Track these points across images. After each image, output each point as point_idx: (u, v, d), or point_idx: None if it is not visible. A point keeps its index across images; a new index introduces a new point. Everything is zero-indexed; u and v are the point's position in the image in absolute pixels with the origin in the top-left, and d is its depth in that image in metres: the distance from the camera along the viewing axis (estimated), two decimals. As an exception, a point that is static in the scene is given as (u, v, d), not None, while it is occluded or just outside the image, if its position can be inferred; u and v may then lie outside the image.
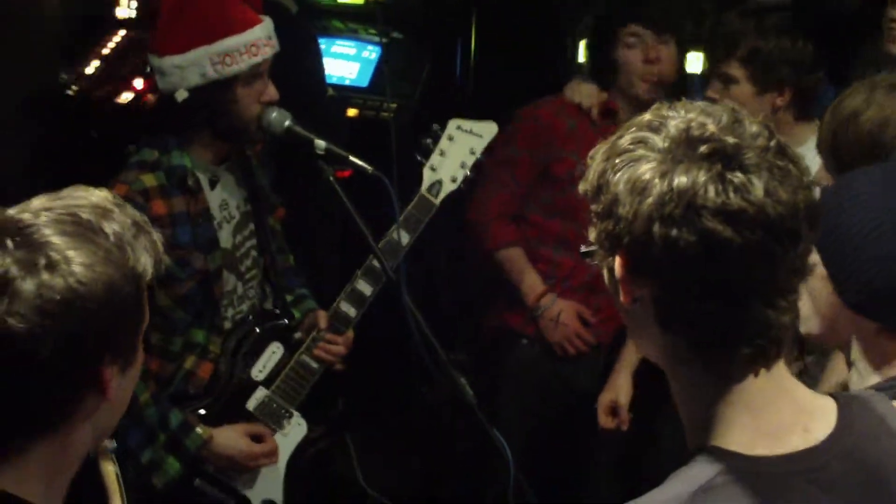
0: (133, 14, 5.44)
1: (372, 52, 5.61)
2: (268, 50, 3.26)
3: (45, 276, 1.62)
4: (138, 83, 5.10)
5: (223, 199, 3.37)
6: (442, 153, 3.45)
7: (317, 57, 4.86)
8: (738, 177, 1.48)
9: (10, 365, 1.64)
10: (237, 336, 3.43)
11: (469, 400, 3.08)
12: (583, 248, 1.67)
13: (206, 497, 3.37)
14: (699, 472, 1.53)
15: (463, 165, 3.46)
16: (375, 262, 3.31)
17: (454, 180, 3.45)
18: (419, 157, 3.46)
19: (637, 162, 1.52)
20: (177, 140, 3.27)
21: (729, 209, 1.46)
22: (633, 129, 1.57)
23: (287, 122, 3.27)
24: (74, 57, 5.20)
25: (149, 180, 3.21)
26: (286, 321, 3.51)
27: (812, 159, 3.31)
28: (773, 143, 1.53)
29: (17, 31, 4.75)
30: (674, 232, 1.47)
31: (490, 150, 3.50)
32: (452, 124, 3.47)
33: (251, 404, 3.42)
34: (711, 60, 3.57)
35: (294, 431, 3.49)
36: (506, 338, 4.25)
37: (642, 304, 1.56)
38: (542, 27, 5.68)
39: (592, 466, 4.40)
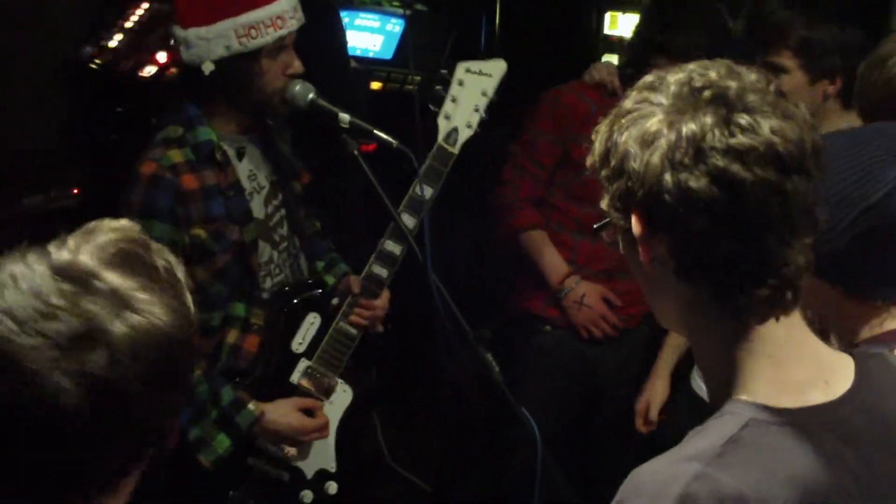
0: (156, -13, 5.41)
1: (396, 25, 5.58)
2: (293, 22, 3.24)
3: (134, 318, 1.53)
4: (161, 56, 5.07)
5: (251, 170, 3.36)
6: (454, 100, 3.42)
7: (339, 29, 4.85)
8: (744, 118, 1.52)
9: (106, 417, 1.51)
10: (276, 308, 3.42)
11: (495, 376, 3.06)
12: (595, 225, 1.69)
13: (260, 473, 3.38)
14: (726, 424, 1.55)
15: (476, 109, 3.42)
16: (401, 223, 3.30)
17: (469, 126, 3.42)
18: (432, 108, 3.43)
19: (643, 118, 1.57)
20: (200, 113, 3.26)
21: (738, 148, 1.50)
22: (634, 92, 1.62)
23: (311, 95, 3.26)
24: (97, 30, 5.18)
25: (176, 156, 3.20)
26: (320, 290, 3.50)
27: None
28: (772, 87, 1.57)
29: (40, 4, 4.75)
30: (685, 176, 1.51)
31: (516, 134, 3.47)
32: (461, 67, 3.43)
33: (294, 377, 3.42)
34: (753, 50, 3.50)
35: (340, 399, 3.49)
36: (528, 322, 4.23)
37: (661, 262, 1.59)
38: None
39: (616, 454, 4.37)
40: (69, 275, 1.53)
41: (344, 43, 4.92)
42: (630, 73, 4.03)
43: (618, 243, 1.67)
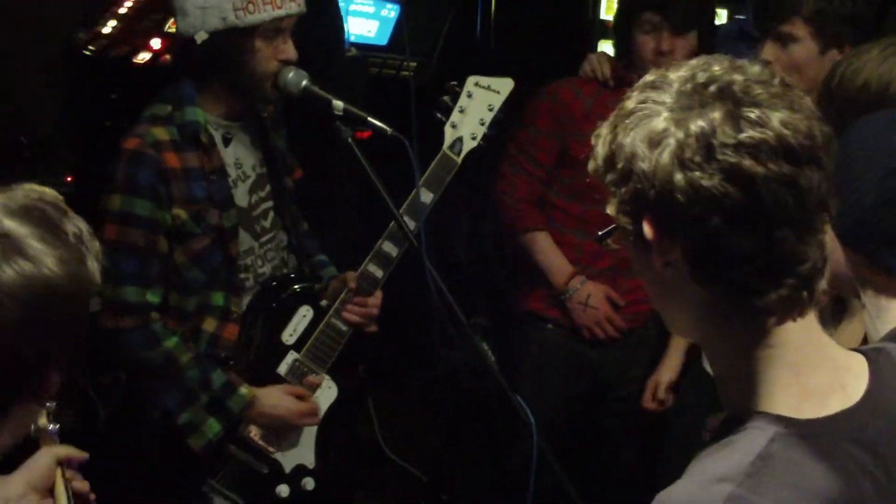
0: (149, -27, 5.38)
1: (391, 11, 5.56)
2: (293, 6, 3.21)
3: (26, 265, 1.62)
4: (156, 43, 5.06)
5: (237, 158, 3.35)
6: (462, 110, 3.44)
7: (337, 15, 4.83)
8: (752, 111, 1.49)
9: None
10: (266, 299, 3.42)
11: (490, 364, 3.05)
12: (599, 233, 1.66)
13: (240, 463, 3.38)
14: (753, 439, 1.52)
15: (482, 122, 3.45)
16: (420, 202, 3.32)
17: (474, 137, 3.44)
18: (439, 115, 3.45)
19: (649, 118, 1.53)
20: (190, 91, 3.24)
21: (749, 143, 1.47)
22: (636, 92, 1.58)
23: (304, 83, 3.23)
24: (91, 16, 5.16)
25: (160, 134, 3.20)
26: (315, 284, 3.50)
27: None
28: (777, 80, 1.54)
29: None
30: (697, 175, 1.48)
31: (512, 131, 3.48)
32: (471, 81, 3.46)
33: (282, 368, 3.42)
34: (764, 19, 3.49)
35: (325, 395, 3.49)
36: (531, 321, 4.22)
37: (675, 267, 1.55)
38: (564, -17, 5.63)
39: (620, 454, 4.39)
40: None
41: (342, 29, 4.90)
42: (622, 52, 4.03)
43: (625, 249, 1.63)
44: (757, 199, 1.47)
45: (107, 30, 5.16)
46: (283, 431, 3.41)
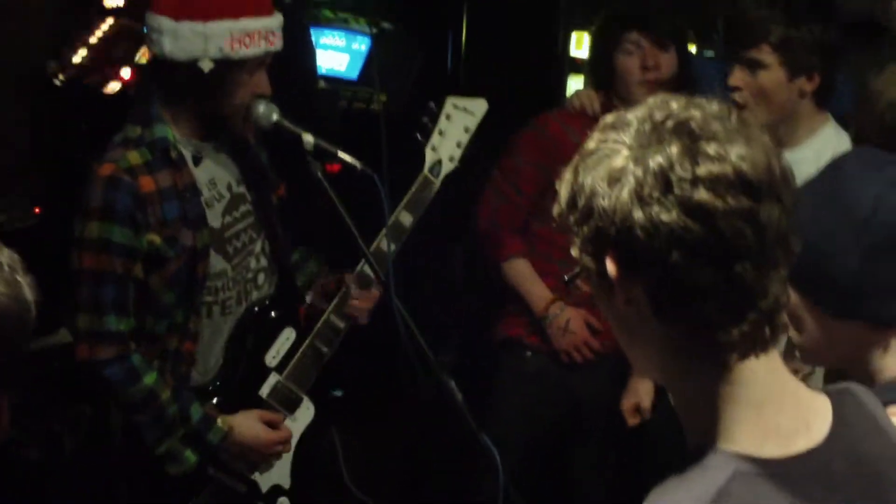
0: (121, 2, 5.39)
1: (361, 44, 5.57)
2: (279, 42, 3.23)
3: None
4: (125, 73, 5.05)
5: (211, 178, 3.33)
6: (441, 133, 3.48)
7: (310, 49, 4.83)
8: (710, 146, 1.49)
9: None
10: (252, 321, 3.43)
11: (458, 403, 3.05)
12: (566, 276, 1.67)
13: (219, 484, 3.39)
14: (712, 476, 1.51)
15: (459, 144, 3.50)
16: (382, 245, 3.34)
17: (452, 159, 3.49)
18: (419, 137, 3.48)
19: (608, 157, 1.53)
20: (157, 111, 3.22)
21: (707, 177, 1.47)
22: (597, 133, 1.58)
23: (275, 117, 3.23)
24: (61, 46, 5.15)
25: (134, 158, 3.17)
26: (299, 306, 3.53)
27: (820, 149, 3.30)
28: (734, 116, 1.54)
29: (5, 17, 4.72)
30: (656, 210, 1.47)
31: (498, 160, 3.51)
32: (449, 102, 3.50)
33: (264, 391, 3.43)
34: (733, 45, 3.52)
35: (303, 416, 3.51)
36: (509, 348, 4.25)
37: (637, 305, 1.55)
38: (533, 19, 5.65)
39: (592, 475, 4.40)
40: None
41: (314, 62, 4.91)
42: (603, 83, 4.06)
43: (589, 291, 1.64)
44: (716, 233, 1.47)
45: (77, 59, 5.16)
46: (254, 457, 3.42)
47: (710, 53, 5.10)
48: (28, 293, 1.77)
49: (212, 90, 3.19)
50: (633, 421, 4.16)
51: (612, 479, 4.36)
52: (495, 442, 2.99)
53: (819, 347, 2.11)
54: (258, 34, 3.15)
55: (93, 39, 5.24)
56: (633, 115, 1.56)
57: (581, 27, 5.73)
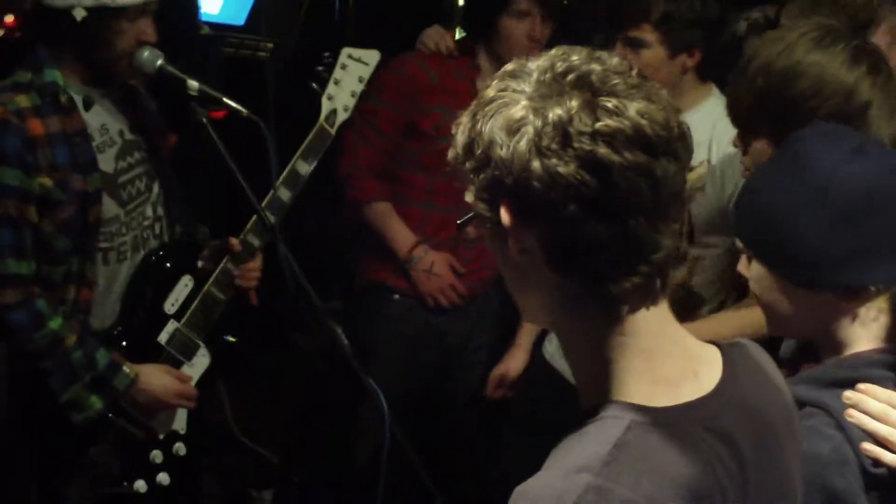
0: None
1: (248, -11, 5.50)
2: None
3: None
4: (9, 18, 4.94)
5: (102, 123, 3.31)
6: (336, 82, 3.52)
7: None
8: (610, 100, 1.50)
9: None
10: (150, 269, 3.43)
11: (345, 349, 3.07)
12: (458, 221, 1.68)
13: (118, 429, 3.38)
14: (609, 428, 1.53)
15: (353, 94, 3.55)
16: (280, 194, 3.39)
17: (346, 109, 3.53)
18: (314, 86, 3.51)
19: (507, 106, 1.54)
20: (46, 57, 3.20)
21: (605, 131, 1.48)
22: (496, 80, 1.59)
23: (159, 62, 3.22)
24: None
25: (23, 101, 3.15)
26: (197, 253, 3.53)
27: (702, 120, 3.36)
28: (634, 71, 1.56)
29: None
30: (554, 162, 1.48)
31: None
32: (345, 52, 3.55)
33: (162, 337, 3.45)
34: (614, 25, 3.54)
35: (200, 362, 3.53)
36: (376, 292, 4.25)
37: (531, 254, 1.56)
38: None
39: (466, 424, 4.45)
40: None
41: (196, 7, 4.84)
42: (479, 35, 4.08)
43: (483, 238, 1.64)
44: (612, 187, 1.49)
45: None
46: (160, 406, 3.43)
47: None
48: None
49: (90, 38, 3.18)
50: (493, 392, 4.21)
51: (484, 422, 4.41)
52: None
53: (788, 319, 2.15)
54: None
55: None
56: (535, 64, 1.57)
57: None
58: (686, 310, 3.41)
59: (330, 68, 3.51)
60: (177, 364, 3.47)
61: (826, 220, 2.03)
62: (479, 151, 1.55)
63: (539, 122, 1.50)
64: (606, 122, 1.48)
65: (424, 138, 4.01)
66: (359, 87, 3.55)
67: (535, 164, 1.49)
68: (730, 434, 1.59)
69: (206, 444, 3.67)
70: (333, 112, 3.50)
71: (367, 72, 3.56)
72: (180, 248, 3.53)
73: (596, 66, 1.54)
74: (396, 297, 4.21)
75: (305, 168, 3.44)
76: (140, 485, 3.45)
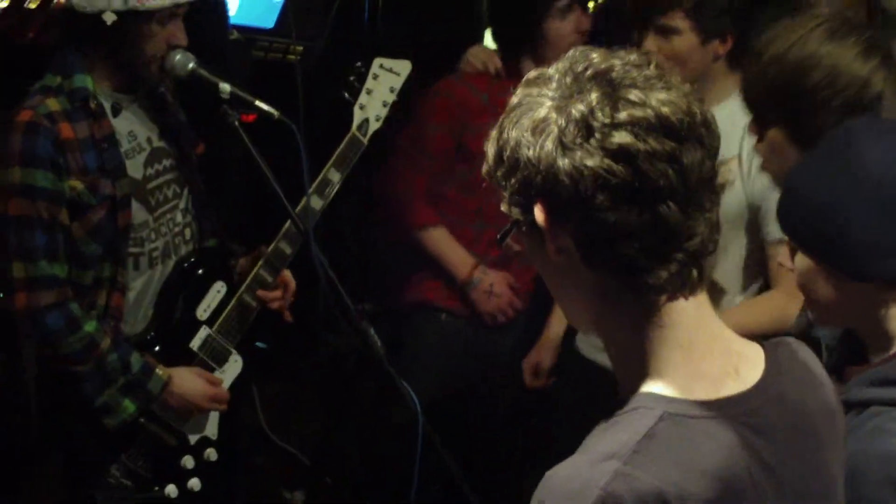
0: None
1: (276, -7, 5.50)
2: None
3: None
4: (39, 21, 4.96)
5: (130, 130, 3.34)
6: (369, 92, 3.55)
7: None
8: (631, 92, 1.54)
9: None
10: (183, 274, 3.45)
11: (377, 350, 3.08)
12: (499, 234, 1.70)
13: (149, 435, 3.40)
14: (641, 418, 1.55)
15: (384, 104, 3.58)
16: (311, 203, 3.41)
17: (378, 119, 3.57)
18: (346, 96, 3.55)
19: (532, 109, 1.58)
20: (79, 61, 3.23)
21: (628, 121, 1.52)
22: (520, 89, 1.63)
23: (191, 65, 3.25)
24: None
25: (53, 105, 3.17)
26: (231, 260, 3.56)
27: (733, 114, 3.35)
28: (652, 65, 1.59)
29: None
30: (580, 155, 1.52)
31: (404, 124, 3.58)
32: (376, 63, 3.58)
33: (195, 343, 3.47)
34: (645, 12, 3.54)
35: (231, 368, 3.55)
36: (424, 312, 4.28)
37: (568, 253, 1.58)
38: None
39: (505, 430, 4.48)
40: None
41: (225, 12, 4.85)
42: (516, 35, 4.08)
43: (521, 247, 1.67)
44: (640, 174, 1.51)
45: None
46: (192, 410, 3.44)
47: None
48: None
49: (121, 42, 3.20)
50: (531, 381, 4.22)
51: (527, 433, 4.42)
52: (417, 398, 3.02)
53: (835, 310, 2.17)
54: None
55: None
56: (555, 69, 1.60)
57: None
58: None
59: (362, 78, 3.55)
60: (209, 370, 3.49)
61: (875, 211, 2.04)
62: (507, 156, 1.59)
63: (563, 120, 1.53)
64: (629, 112, 1.52)
65: (475, 159, 4.00)
66: (390, 98, 3.57)
67: (562, 160, 1.53)
68: (768, 431, 1.60)
69: (237, 450, 3.69)
70: (366, 121, 3.54)
71: (398, 82, 3.59)
72: (213, 254, 3.56)
73: (615, 62, 1.57)
74: (444, 316, 4.25)
75: (337, 176, 3.47)
76: (171, 490, 3.47)
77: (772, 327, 3.02)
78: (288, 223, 3.40)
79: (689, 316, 1.60)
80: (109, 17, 3.13)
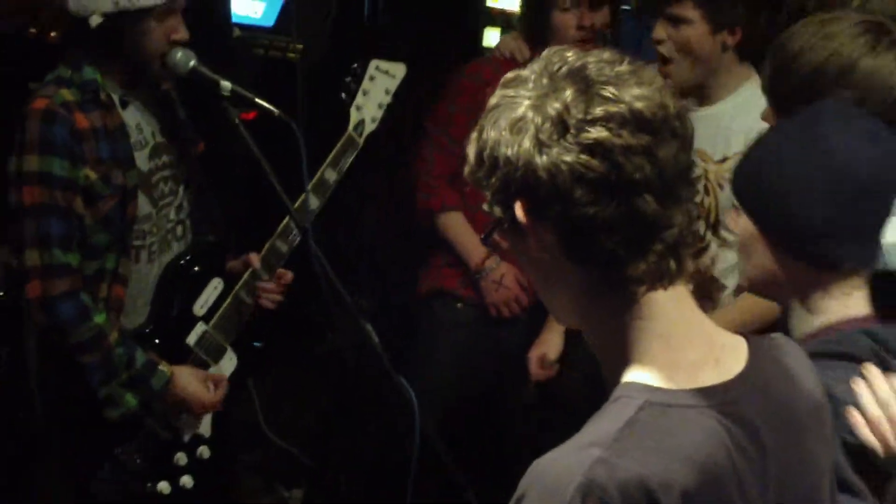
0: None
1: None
2: None
3: None
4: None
5: (137, 122, 3.36)
6: (365, 93, 3.58)
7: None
8: (605, 89, 1.56)
9: None
10: (181, 270, 3.47)
11: (375, 346, 3.09)
12: (483, 235, 1.73)
13: (146, 429, 3.42)
14: (623, 407, 1.57)
15: (380, 106, 3.60)
16: (308, 201, 3.41)
17: (374, 120, 3.59)
18: (343, 96, 3.56)
19: (510, 109, 1.61)
20: (86, 55, 3.25)
21: (603, 116, 1.55)
22: (497, 91, 1.67)
23: (192, 63, 3.26)
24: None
25: (67, 95, 3.20)
26: (225, 256, 3.58)
27: (741, 109, 3.36)
28: (626, 60, 1.62)
29: None
30: (556, 152, 1.55)
31: (431, 107, 3.58)
32: (372, 64, 3.60)
33: (191, 339, 3.48)
34: (656, 1, 3.56)
35: (226, 365, 3.56)
36: (442, 299, 4.30)
37: (550, 249, 1.61)
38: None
39: (514, 424, 4.50)
40: None
41: (228, 10, 4.87)
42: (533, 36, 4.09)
43: (506, 245, 1.69)
44: (616, 168, 1.54)
45: None
46: (186, 410, 3.46)
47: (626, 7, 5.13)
48: None
49: (119, 40, 3.22)
50: (537, 373, 4.21)
51: (538, 428, 4.44)
52: (427, 386, 3.04)
53: (769, 281, 2.20)
54: None
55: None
56: (531, 69, 1.64)
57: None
58: (705, 295, 3.46)
59: (358, 79, 3.57)
60: (204, 366, 3.50)
61: (833, 198, 2.09)
62: (487, 156, 1.62)
63: (539, 118, 1.57)
64: (603, 108, 1.55)
65: None
66: (386, 99, 3.60)
67: (540, 157, 1.56)
68: (749, 420, 1.62)
69: (231, 448, 3.71)
70: (361, 122, 3.56)
71: (394, 84, 3.61)
72: (210, 250, 3.57)
73: (589, 59, 1.60)
74: (460, 305, 4.27)
75: (333, 176, 3.49)
76: (163, 486, 3.48)
77: (765, 324, 3.05)
78: (285, 221, 3.42)
79: (668, 307, 1.63)
80: (95, 21, 3.15)
